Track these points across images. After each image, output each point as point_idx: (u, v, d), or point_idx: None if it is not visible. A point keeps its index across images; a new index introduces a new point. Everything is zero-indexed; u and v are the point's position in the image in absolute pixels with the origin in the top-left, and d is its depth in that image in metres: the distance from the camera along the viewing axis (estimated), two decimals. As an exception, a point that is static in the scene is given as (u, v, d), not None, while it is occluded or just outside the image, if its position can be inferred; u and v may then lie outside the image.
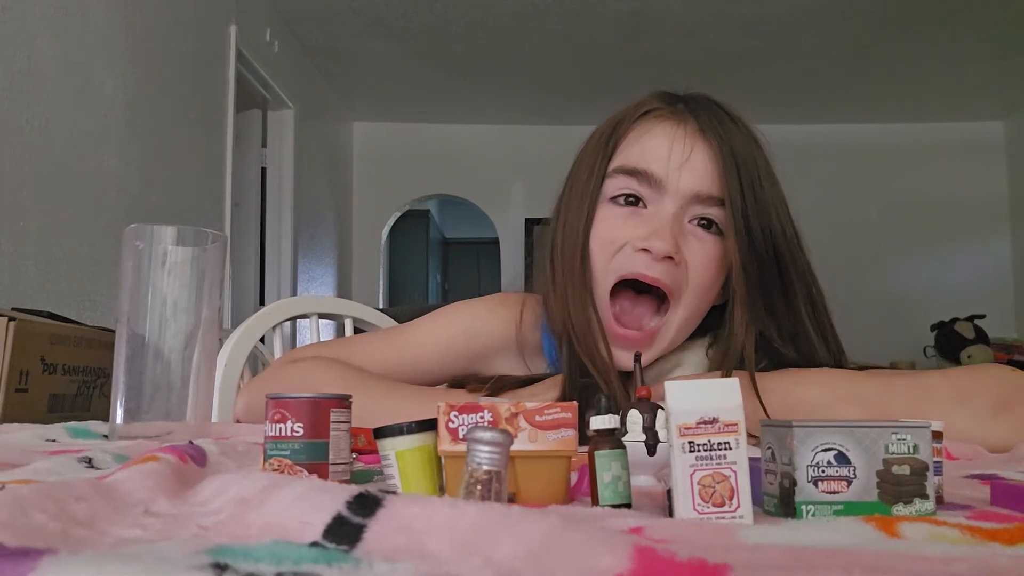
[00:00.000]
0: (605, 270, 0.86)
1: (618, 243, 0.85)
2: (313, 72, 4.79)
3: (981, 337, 4.86)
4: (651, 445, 0.50)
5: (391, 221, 5.98)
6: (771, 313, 0.86)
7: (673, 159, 0.84)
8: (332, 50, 4.59)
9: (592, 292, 0.86)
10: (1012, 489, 0.46)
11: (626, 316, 0.87)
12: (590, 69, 4.75)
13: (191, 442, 0.46)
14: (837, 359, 0.89)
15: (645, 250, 0.83)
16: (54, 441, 0.67)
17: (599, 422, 0.46)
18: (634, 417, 0.50)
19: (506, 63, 4.79)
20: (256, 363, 1.75)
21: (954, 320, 4.97)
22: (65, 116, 2.24)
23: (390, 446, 0.48)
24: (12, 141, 2.01)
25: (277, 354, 1.36)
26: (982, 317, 4.92)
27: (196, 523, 0.36)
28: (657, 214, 0.85)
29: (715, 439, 0.40)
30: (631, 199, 0.86)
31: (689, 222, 0.85)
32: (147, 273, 0.66)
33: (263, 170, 4.21)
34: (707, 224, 0.85)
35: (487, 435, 0.41)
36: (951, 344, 4.88)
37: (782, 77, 4.90)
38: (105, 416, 1.24)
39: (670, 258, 0.82)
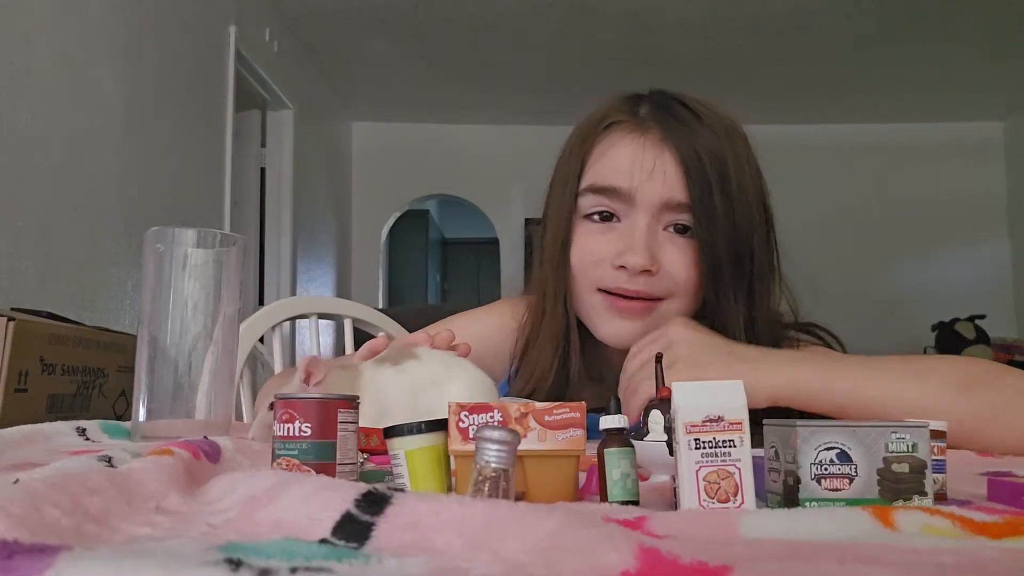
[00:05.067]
0: (588, 285, 0.89)
1: (595, 258, 0.88)
2: (313, 72, 4.79)
3: (982, 337, 4.87)
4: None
5: (390, 221, 5.98)
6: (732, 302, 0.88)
7: (639, 171, 0.86)
8: (332, 50, 4.59)
9: (570, 304, 0.91)
10: (1008, 486, 0.46)
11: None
12: (590, 69, 4.75)
13: (206, 437, 0.47)
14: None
15: (623, 267, 0.85)
16: (84, 431, 0.69)
17: (608, 421, 0.47)
18: (655, 418, 0.50)
19: (506, 63, 4.79)
20: (256, 364, 1.75)
21: (955, 320, 4.97)
22: (64, 116, 2.24)
23: (399, 445, 0.49)
24: (10, 140, 2.01)
25: (276, 354, 1.36)
26: (982, 317, 4.92)
27: (205, 521, 0.37)
28: (631, 228, 0.87)
29: (720, 437, 0.41)
30: (605, 215, 0.89)
31: (664, 229, 0.87)
32: (168, 275, 0.67)
33: (262, 170, 4.21)
34: (682, 229, 0.87)
35: (495, 434, 0.41)
36: (952, 344, 4.89)
37: (782, 77, 4.90)
38: (104, 416, 1.24)
39: (647, 271, 0.85)
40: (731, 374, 0.73)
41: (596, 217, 0.89)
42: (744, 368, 0.76)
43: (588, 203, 0.90)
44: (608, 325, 0.89)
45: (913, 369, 0.78)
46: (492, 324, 1.02)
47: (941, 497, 0.48)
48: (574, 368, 0.92)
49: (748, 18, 4.12)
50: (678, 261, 0.86)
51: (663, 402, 0.52)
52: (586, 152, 0.91)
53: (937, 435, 0.50)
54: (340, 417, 0.50)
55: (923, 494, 0.42)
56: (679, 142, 0.86)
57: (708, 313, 0.89)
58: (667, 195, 0.86)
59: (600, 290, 0.88)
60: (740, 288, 0.88)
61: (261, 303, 4.12)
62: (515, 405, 0.46)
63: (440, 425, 0.49)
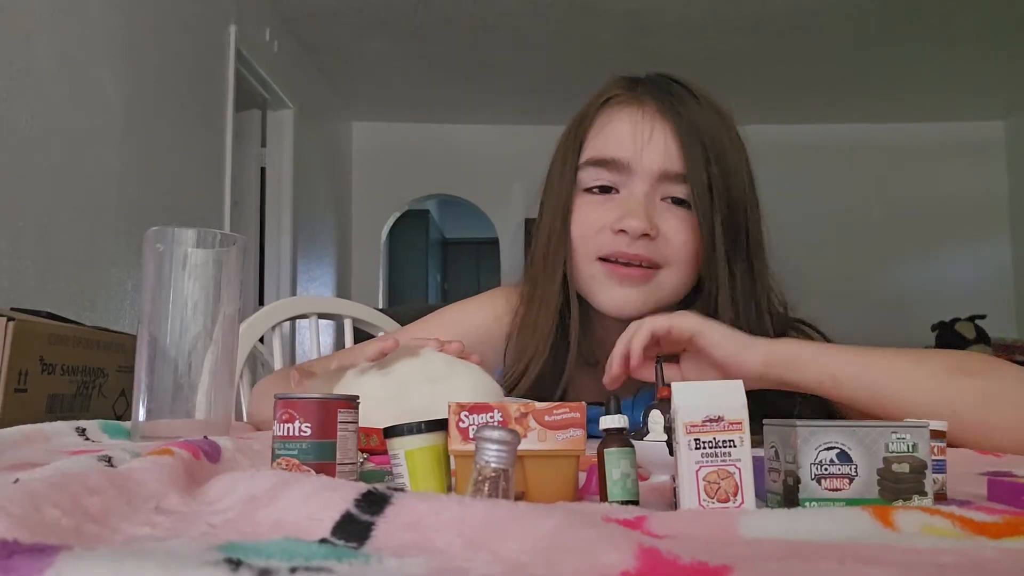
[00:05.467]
0: (588, 255, 0.91)
1: (595, 226, 0.90)
2: (313, 72, 4.79)
3: (982, 337, 4.87)
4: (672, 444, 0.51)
5: (391, 221, 5.98)
6: (729, 275, 0.89)
7: (636, 141, 0.89)
8: (332, 50, 4.59)
9: (570, 277, 0.92)
10: (1008, 486, 0.46)
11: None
12: (590, 69, 4.74)
13: (206, 437, 0.47)
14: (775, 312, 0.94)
15: (623, 231, 0.87)
16: (84, 431, 0.69)
17: (608, 421, 0.47)
18: (655, 417, 0.51)
19: (506, 63, 4.79)
20: (256, 364, 1.75)
21: (955, 320, 4.96)
22: (64, 116, 2.24)
23: (399, 445, 0.49)
24: (11, 140, 2.01)
25: (276, 354, 1.36)
26: (983, 317, 4.92)
27: (205, 521, 0.37)
28: (630, 196, 0.89)
29: (720, 437, 0.41)
30: (605, 187, 0.91)
31: (662, 200, 0.89)
32: (168, 275, 0.67)
33: (262, 170, 4.21)
34: (679, 201, 0.89)
35: (495, 434, 0.41)
36: (952, 345, 4.88)
37: (782, 77, 4.90)
38: (104, 416, 1.24)
39: (647, 235, 0.87)
40: (737, 347, 0.76)
41: (596, 190, 0.91)
42: (743, 342, 0.77)
43: (588, 176, 0.92)
44: (608, 293, 0.90)
45: (910, 356, 0.80)
46: (488, 315, 1.03)
47: (941, 497, 0.48)
48: (574, 343, 0.93)
49: (748, 18, 4.12)
50: (676, 228, 0.88)
51: (663, 402, 0.52)
52: (585, 128, 0.94)
53: (937, 435, 0.50)
54: (340, 417, 0.50)
55: (923, 494, 0.42)
56: (676, 115, 0.88)
57: (703, 287, 0.91)
58: (665, 165, 0.88)
59: (600, 259, 0.90)
60: (736, 263, 0.90)
61: (261, 303, 4.12)
62: (515, 405, 0.46)
63: (440, 425, 0.49)
